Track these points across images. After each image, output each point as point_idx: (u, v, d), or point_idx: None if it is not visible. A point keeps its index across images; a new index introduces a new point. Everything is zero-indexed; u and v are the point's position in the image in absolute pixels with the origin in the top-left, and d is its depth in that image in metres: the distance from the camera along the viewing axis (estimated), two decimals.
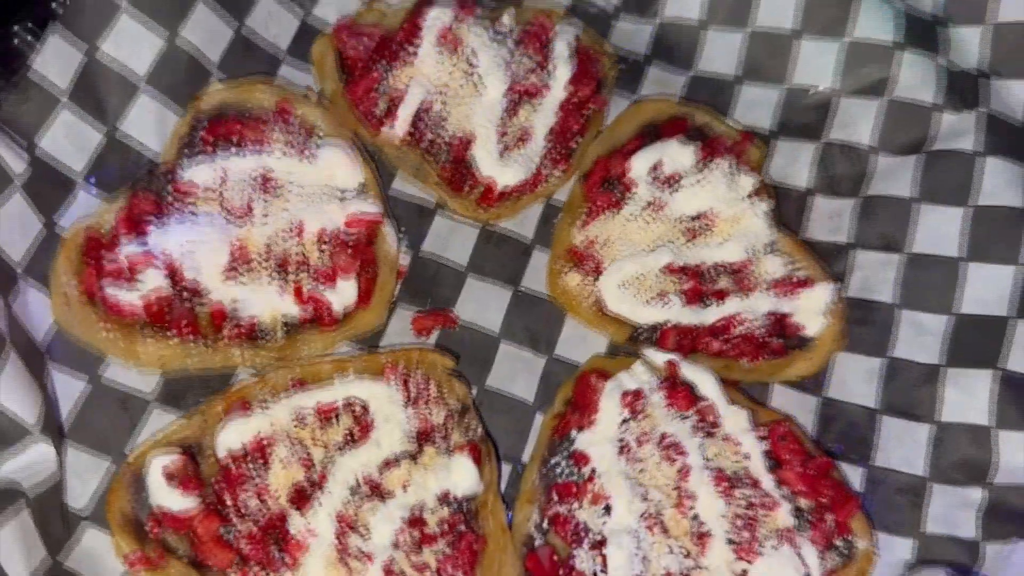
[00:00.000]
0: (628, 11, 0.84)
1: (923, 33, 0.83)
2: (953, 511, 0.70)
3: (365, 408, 0.63)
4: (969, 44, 0.80)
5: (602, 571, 0.58)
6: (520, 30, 0.78)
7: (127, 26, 0.79)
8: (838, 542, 0.57)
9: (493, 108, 0.74)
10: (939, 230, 0.76)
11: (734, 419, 0.63)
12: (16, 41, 0.75)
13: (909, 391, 0.73)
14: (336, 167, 0.74)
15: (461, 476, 0.64)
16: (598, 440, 0.60)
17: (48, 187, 0.76)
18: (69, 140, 0.78)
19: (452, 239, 0.77)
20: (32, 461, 0.65)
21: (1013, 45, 0.80)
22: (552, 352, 0.73)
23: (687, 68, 0.85)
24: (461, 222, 0.78)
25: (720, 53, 0.84)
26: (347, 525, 0.63)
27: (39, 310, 0.73)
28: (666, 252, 0.70)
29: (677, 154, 0.72)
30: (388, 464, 0.64)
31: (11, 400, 0.64)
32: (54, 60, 0.76)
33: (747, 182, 0.72)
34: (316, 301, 0.70)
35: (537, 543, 0.59)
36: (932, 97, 0.77)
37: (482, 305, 0.75)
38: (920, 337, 0.75)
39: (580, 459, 0.61)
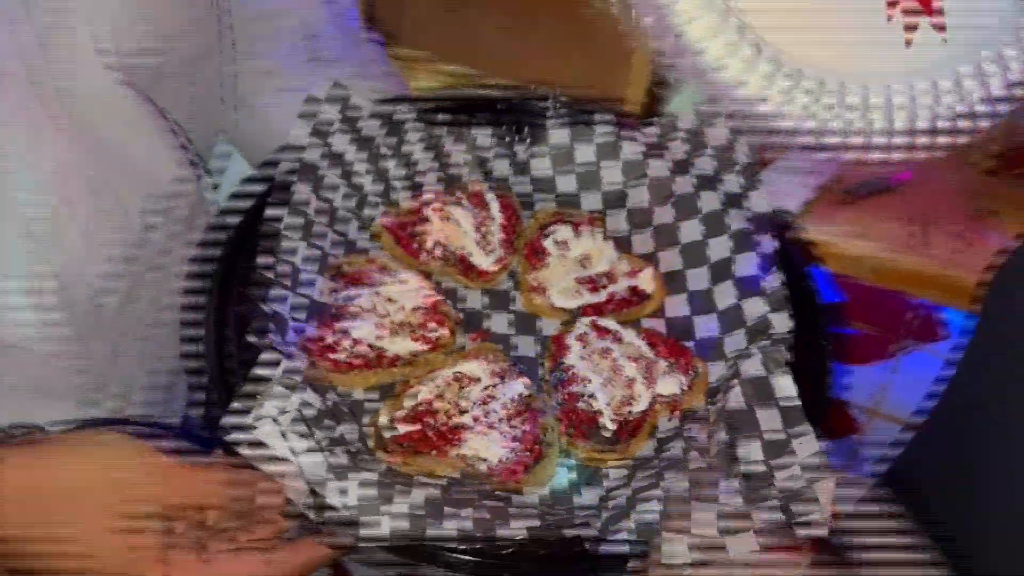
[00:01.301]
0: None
1: None
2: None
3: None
4: None
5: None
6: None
7: None
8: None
9: None
10: None
11: (627, 334, 0.82)
12: None
13: None
14: None
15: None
16: (572, 359, 0.75)
17: None
18: None
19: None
20: None
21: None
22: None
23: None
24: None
25: None
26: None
27: None
28: (575, 274, 0.89)
29: (561, 232, 0.89)
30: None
31: None
32: None
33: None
34: None
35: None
36: None
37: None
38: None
39: (566, 370, 0.76)
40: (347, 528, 0.52)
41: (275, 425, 0.51)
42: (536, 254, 0.79)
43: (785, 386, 0.65)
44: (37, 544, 0.50)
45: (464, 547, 0.53)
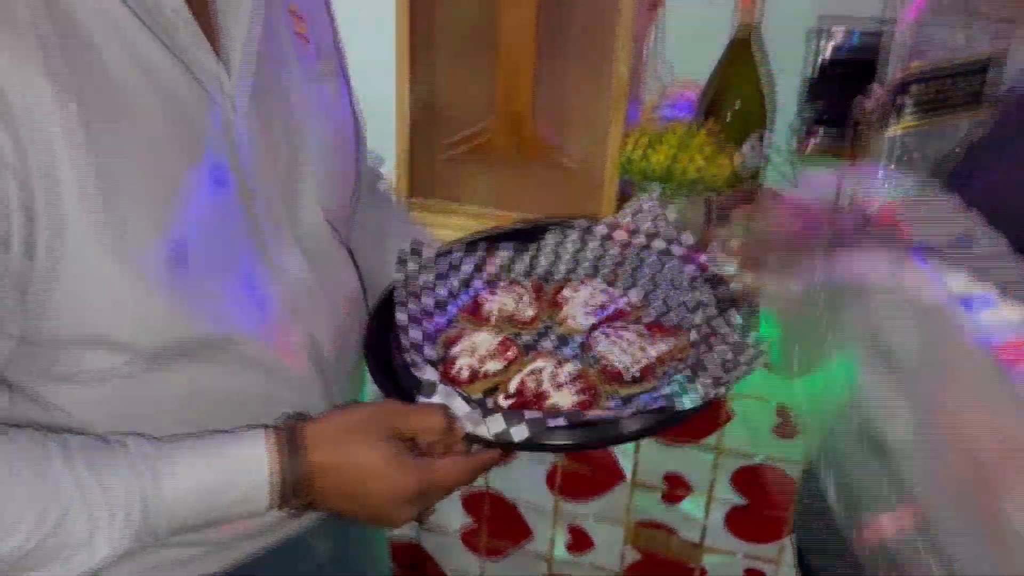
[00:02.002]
0: None
1: None
2: None
3: None
4: None
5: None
6: None
7: None
8: None
9: None
10: None
11: (628, 327, 0.92)
12: None
13: None
14: None
15: None
16: (599, 348, 0.89)
17: None
18: None
19: None
20: None
21: None
22: None
23: None
24: None
25: None
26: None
27: None
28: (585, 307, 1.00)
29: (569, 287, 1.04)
30: None
31: None
32: None
33: None
34: None
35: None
36: None
37: None
38: None
39: (599, 354, 0.88)
40: (494, 443, 0.76)
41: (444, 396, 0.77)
42: (558, 302, 0.99)
43: (733, 315, 0.87)
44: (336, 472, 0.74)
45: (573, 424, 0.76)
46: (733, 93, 1.42)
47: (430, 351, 0.88)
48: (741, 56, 1.42)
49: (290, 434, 0.74)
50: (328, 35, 0.92)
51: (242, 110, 0.76)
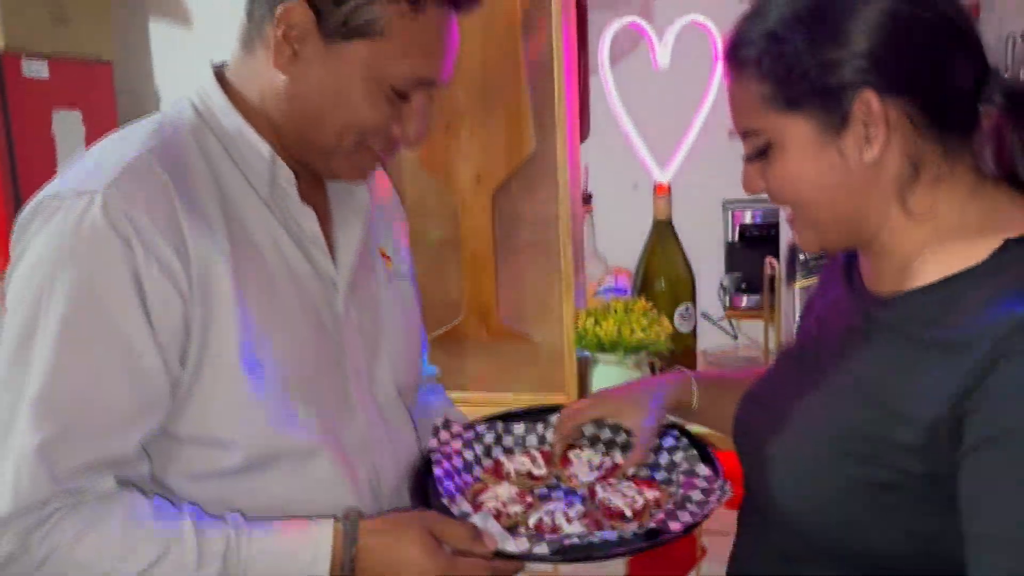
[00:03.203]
0: None
1: None
2: None
3: None
4: None
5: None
6: None
7: None
8: None
9: None
10: None
11: (622, 482, 1.08)
12: None
13: None
14: None
15: None
16: (600, 495, 1.04)
17: None
18: None
19: None
20: None
21: None
22: None
23: None
24: None
25: None
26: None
27: None
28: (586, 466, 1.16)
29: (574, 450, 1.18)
30: None
31: None
32: None
33: None
34: None
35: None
36: None
37: None
38: None
39: (600, 501, 1.04)
40: (519, 557, 0.92)
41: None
42: (565, 462, 1.14)
43: (702, 469, 1.07)
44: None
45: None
46: (660, 269, 1.70)
47: (461, 500, 1.05)
48: (663, 238, 1.70)
49: (350, 524, 0.93)
50: (403, 253, 1.21)
51: (343, 294, 1.03)
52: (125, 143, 0.92)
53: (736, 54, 0.85)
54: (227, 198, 0.95)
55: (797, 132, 0.83)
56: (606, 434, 1.18)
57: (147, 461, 0.92)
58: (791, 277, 1.61)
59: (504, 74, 1.51)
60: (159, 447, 0.92)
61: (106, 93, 2.25)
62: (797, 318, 1.62)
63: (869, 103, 0.79)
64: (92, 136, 0.96)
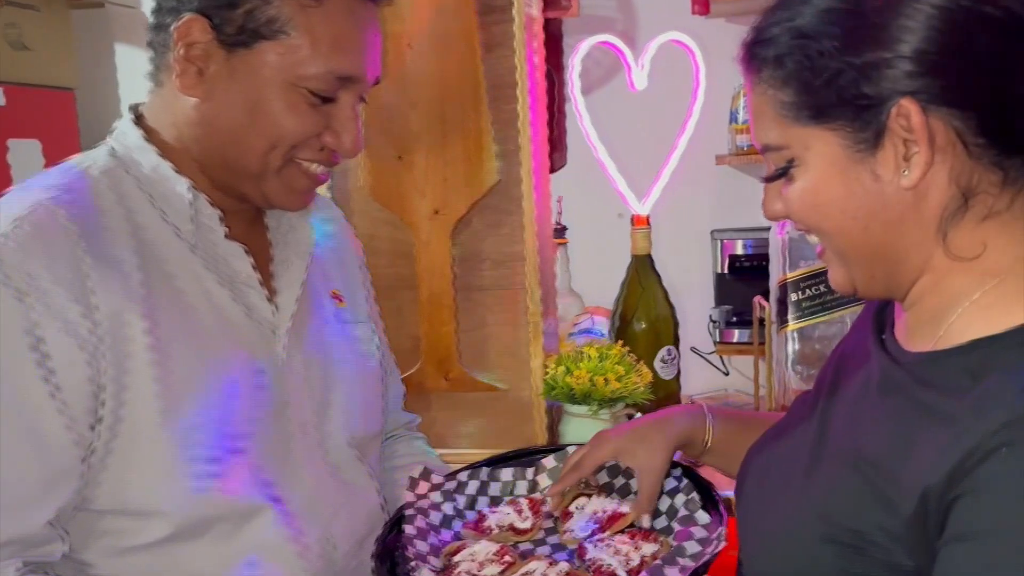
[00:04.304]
0: None
1: None
2: None
3: None
4: None
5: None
6: None
7: None
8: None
9: None
10: None
11: (617, 537, 0.97)
12: None
13: None
14: None
15: None
16: (591, 553, 0.95)
17: None
18: None
19: None
20: None
21: None
22: None
23: None
24: None
25: None
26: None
27: None
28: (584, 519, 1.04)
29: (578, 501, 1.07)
30: None
31: None
32: None
33: None
34: None
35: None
36: None
37: None
38: None
39: (591, 560, 0.94)
40: None
41: None
42: (566, 515, 1.04)
43: (702, 516, 0.98)
44: None
45: None
46: (640, 309, 1.55)
47: (435, 561, 0.94)
48: (642, 274, 1.56)
49: None
50: (361, 295, 1.13)
51: (284, 340, 0.95)
52: (26, 192, 0.86)
53: (756, 54, 0.73)
54: (145, 243, 0.88)
55: (824, 148, 0.70)
56: (619, 480, 1.07)
57: (61, 540, 0.82)
58: (782, 319, 1.46)
59: (463, 97, 1.36)
60: (75, 521, 0.83)
61: (68, 121, 2.14)
62: (789, 366, 1.48)
63: (908, 115, 0.65)
64: (51, 166, 0.93)
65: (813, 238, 0.77)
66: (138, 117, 0.94)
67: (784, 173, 0.74)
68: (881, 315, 0.83)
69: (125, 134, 0.92)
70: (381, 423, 1.12)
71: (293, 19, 0.84)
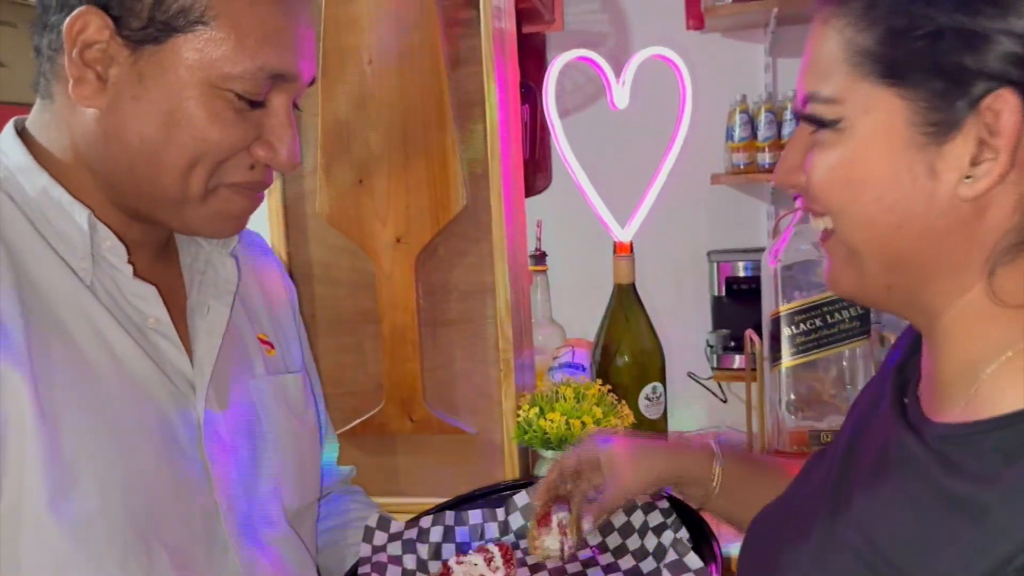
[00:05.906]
0: None
1: None
2: None
3: None
4: None
5: None
6: None
7: None
8: None
9: None
10: None
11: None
12: None
13: None
14: None
15: None
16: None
17: None
18: None
19: None
20: None
21: None
22: None
23: None
24: None
25: None
26: None
27: None
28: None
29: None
30: None
31: None
32: None
33: None
34: None
35: None
36: None
37: None
38: None
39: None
40: None
41: None
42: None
43: (694, 560, 0.87)
44: None
45: None
46: (623, 342, 1.44)
47: None
48: (625, 305, 1.45)
49: None
50: (294, 343, 1.00)
51: (203, 398, 0.81)
52: None
53: None
54: (29, 285, 0.72)
55: (885, 117, 0.58)
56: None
57: None
58: (775, 355, 1.35)
59: (427, 117, 1.26)
60: None
61: None
62: (783, 407, 1.36)
63: (1000, 112, 0.54)
64: None
65: (819, 222, 0.65)
66: (22, 133, 0.79)
67: (826, 125, 0.61)
68: (903, 370, 0.70)
69: (5, 153, 0.77)
70: (318, 490, 0.99)
71: (213, 7, 0.71)
